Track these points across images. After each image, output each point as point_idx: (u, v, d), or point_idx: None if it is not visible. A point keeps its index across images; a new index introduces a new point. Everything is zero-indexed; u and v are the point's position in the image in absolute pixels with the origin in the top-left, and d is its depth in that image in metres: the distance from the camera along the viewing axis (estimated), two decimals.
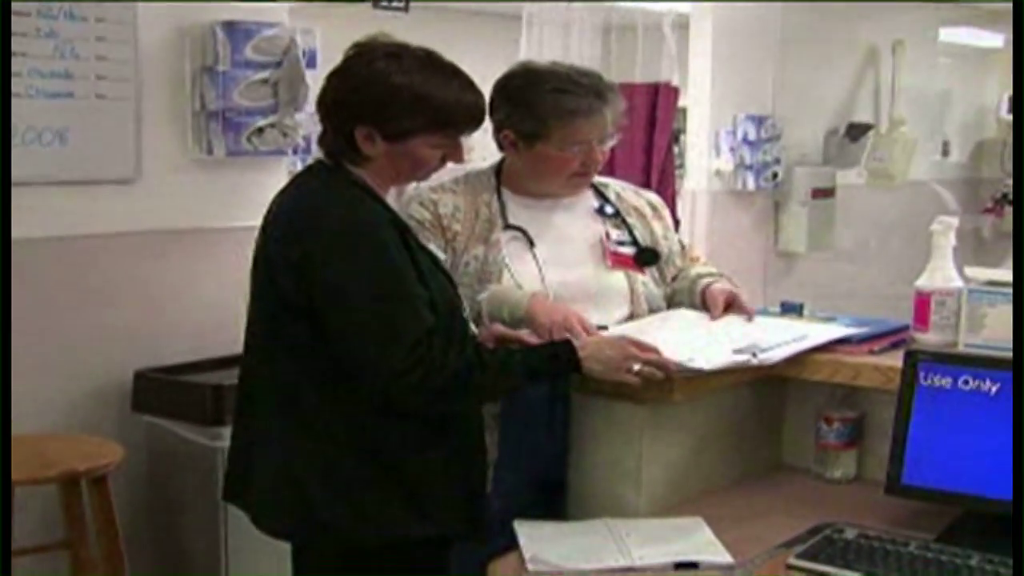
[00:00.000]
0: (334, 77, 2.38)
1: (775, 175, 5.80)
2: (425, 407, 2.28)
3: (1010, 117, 7.01)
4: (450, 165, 2.44)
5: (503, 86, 2.77)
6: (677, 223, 5.49)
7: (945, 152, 7.16)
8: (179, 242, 3.67)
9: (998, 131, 7.32)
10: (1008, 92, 7.03)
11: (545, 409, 2.53)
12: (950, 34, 6.94)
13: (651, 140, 5.73)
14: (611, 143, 2.77)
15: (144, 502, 3.61)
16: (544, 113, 2.68)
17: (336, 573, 2.36)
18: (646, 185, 5.42)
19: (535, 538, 2.29)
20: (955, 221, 2.74)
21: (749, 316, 2.71)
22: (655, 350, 2.39)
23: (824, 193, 6.01)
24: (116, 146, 3.53)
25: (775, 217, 5.99)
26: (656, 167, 5.76)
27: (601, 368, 2.36)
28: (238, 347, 2.92)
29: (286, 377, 2.33)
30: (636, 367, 2.36)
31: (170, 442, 3.49)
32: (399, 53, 2.34)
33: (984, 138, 7.42)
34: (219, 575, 3.42)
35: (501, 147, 2.79)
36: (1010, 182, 7.14)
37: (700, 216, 5.66)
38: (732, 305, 2.71)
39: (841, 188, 6.10)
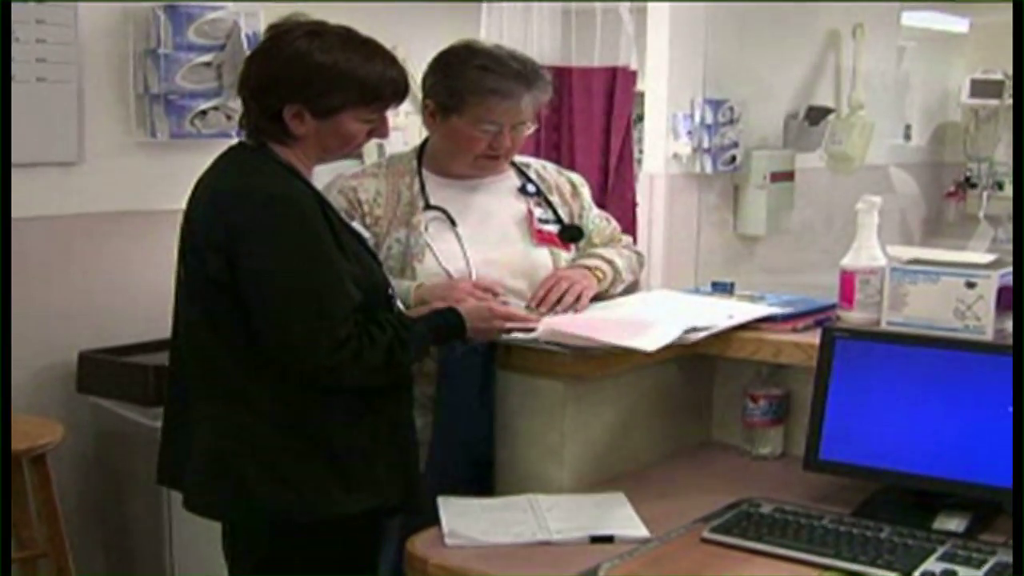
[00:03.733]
0: (256, 58, 2.40)
1: (733, 158, 5.80)
2: (355, 382, 2.30)
3: (972, 102, 7.03)
4: None
5: (438, 58, 2.81)
6: (635, 206, 5.52)
7: (907, 136, 7.17)
8: (123, 224, 3.68)
9: (961, 116, 7.34)
10: (970, 76, 7.06)
11: (477, 389, 2.56)
12: (912, 18, 6.94)
13: (609, 124, 5.73)
14: (526, 132, 2.78)
15: (90, 483, 3.62)
16: (463, 87, 2.70)
17: (269, 551, 2.38)
18: (605, 169, 5.45)
19: (457, 514, 2.32)
20: (879, 200, 2.76)
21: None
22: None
23: (783, 176, 6.01)
24: (59, 129, 3.54)
25: (734, 200, 6.00)
26: (614, 151, 5.76)
27: (479, 326, 2.47)
28: None
29: (213, 356, 2.34)
30: (509, 325, 2.47)
31: (115, 423, 3.51)
32: (319, 31, 2.36)
33: (946, 122, 7.44)
34: (163, 554, 3.44)
35: (423, 116, 2.81)
36: (972, 166, 7.17)
37: (658, 199, 5.66)
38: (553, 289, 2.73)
39: (801, 171, 6.10)
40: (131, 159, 3.69)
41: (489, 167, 2.82)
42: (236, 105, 3.71)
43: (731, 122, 5.79)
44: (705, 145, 5.70)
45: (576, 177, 3.02)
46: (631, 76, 5.85)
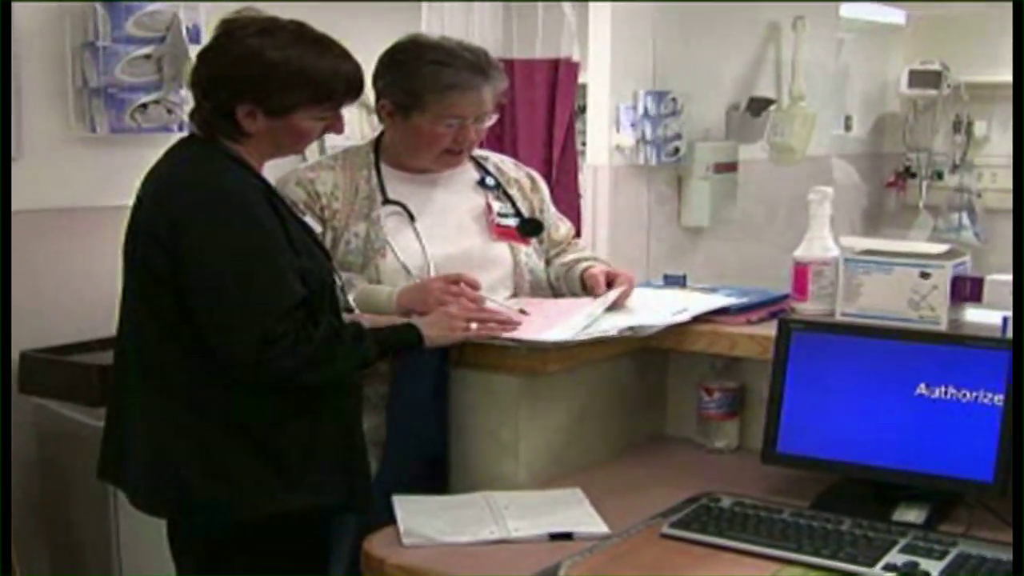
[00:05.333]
0: (207, 55, 2.35)
1: (677, 150, 5.79)
2: (282, 380, 2.26)
3: (911, 92, 7.08)
4: None
5: (388, 56, 2.75)
6: (579, 198, 5.50)
7: (847, 127, 7.20)
8: (63, 221, 3.59)
9: (899, 106, 7.38)
10: (908, 67, 7.10)
11: (430, 387, 2.52)
12: (851, 10, 6.97)
13: (552, 116, 5.70)
14: (488, 123, 2.75)
15: (33, 484, 3.54)
16: (420, 85, 2.65)
17: (213, 549, 2.35)
18: (549, 161, 5.42)
19: (413, 512, 2.29)
20: (830, 191, 2.76)
21: (629, 289, 2.71)
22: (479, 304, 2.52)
23: (726, 167, 6.02)
24: None
25: (678, 192, 6.00)
26: (558, 143, 5.73)
27: (440, 333, 2.43)
28: None
29: (155, 351, 2.31)
30: (473, 325, 2.43)
31: (58, 424, 3.43)
32: (272, 28, 2.32)
33: (886, 113, 7.48)
34: (110, 555, 3.37)
35: (380, 117, 2.76)
36: (912, 156, 7.21)
37: (602, 191, 5.64)
38: (613, 283, 2.70)
39: (744, 163, 6.10)
40: (71, 154, 3.60)
41: (454, 162, 2.79)
42: (177, 99, 3.70)
43: (674, 113, 5.78)
44: (648, 137, 5.69)
45: (533, 172, 3.00)
46: (574, 68, 5.83)
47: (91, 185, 3.64)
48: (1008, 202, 6.24)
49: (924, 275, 2.54)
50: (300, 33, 2.32)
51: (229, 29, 2.32)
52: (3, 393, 3.15)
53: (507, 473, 2.48)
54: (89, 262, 3.63)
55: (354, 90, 2.37)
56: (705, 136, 6.00)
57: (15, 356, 3.46)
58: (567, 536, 2.19)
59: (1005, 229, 6.56)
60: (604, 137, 5.68)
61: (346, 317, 2.42)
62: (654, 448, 2.78)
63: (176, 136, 3.77)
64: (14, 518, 3.20)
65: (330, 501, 2.36)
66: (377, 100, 2.72)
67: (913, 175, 7.22)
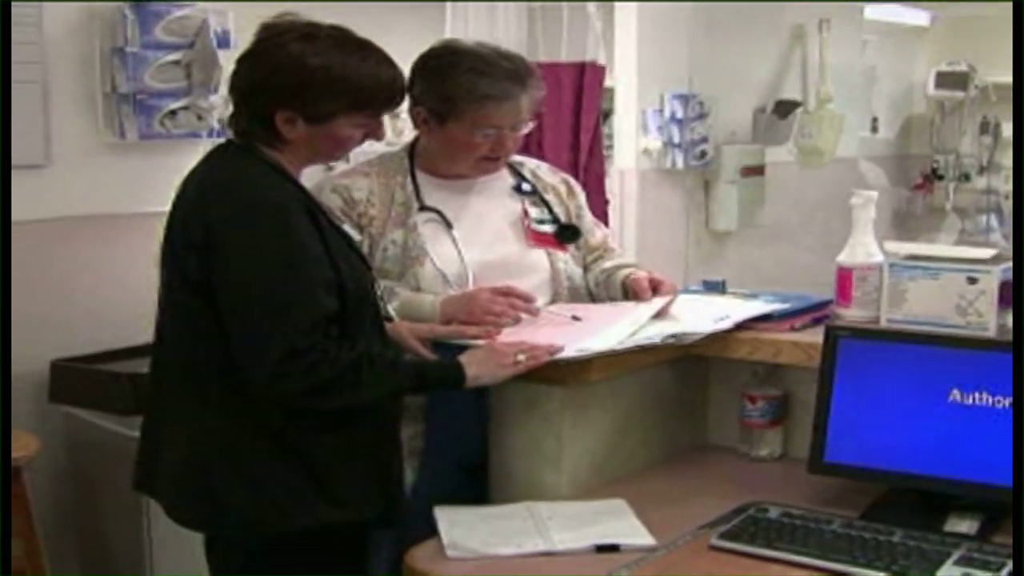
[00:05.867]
0: (248, 61, 2.30)
1: (703, 153, 5.76)
2: (305, 397, 2.18)
3: (938, 94, 7.03)
4: None
5: (423, 62, 2.71)
6: (607, 203, 5.47)
7: (874, 129, 7.15)
8: (93, 228, 3.58)
9: (926, 108, 7.34)
10: (935, 69, 7.04)
11: (471, 397, 2.48)
12: (875, 12, 6.93)
13: (578, 120, 5.67)
14: (525, 130, 2.71)
15: (65, 495, 3.53)
16: (457, 95, 2.61)
17: (249, 563, 2.31)
18: (575, 165, 5.39)
19: (455, 523, 2.25)
20: (875, 195, 2.71)
21: (674, 296, 2.67)
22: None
23: (754, 171, 5.97)
24: (24, 130, 3.43)
25: (705, 195, 5.96)
26: (584, 147, 5.70)
27: (488, 371, 2.33)
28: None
29: (192, 362, 2.27)
30: (521, 357, 2.33)
31: (89, 433, 3.42)
32: (313, 33, 2.27)
33: (912, 114, 7.43)
34: (143, 566, 3.35)
35: (415, 124, 2.73)
36: (939, 158, 7.17)
37: (630, 195, 5.61)
38: (658, 289, 2.66)
39: (770, 165, 6.06)
40: (99, 160, 3.60)
41: (492, 168, 2.75)
42: (206, 104, 3.68)
43: (700, 117, 5.75)
44: (675, 140, 5.66)
45: (569, 177, 2.96)
46: (599, 71, 5.80)
47: (121, 192, 3.63)
48: None
49: (971, 280, 2.49)
50: (342, 38, 2.28)
51: (269, 34, 2.27)
52: (3, 394, 3.12)
53: (549, 483, 2.44)
54: (119, 269, 3.62)
55: (396, 97, 2.34)
56: (731, 139, 5.96)
57: (44, 365, 3.44)
58: (613, 548, 2.15)
59: None
60: (631, 141, 5.65)
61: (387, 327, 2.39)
62: (696, 457, 2.73)
63: (207, 143, 3.81)
64: (45, 528, 3.17)
65: (367, 515, 2.31)
66: (412, 107, 2.67)
67: (940, 177, 7.17)
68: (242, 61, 2.30)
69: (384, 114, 2.34)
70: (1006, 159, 7.02)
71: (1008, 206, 6.98)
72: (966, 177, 7.11)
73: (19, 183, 3.41)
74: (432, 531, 2.25)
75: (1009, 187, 6.98)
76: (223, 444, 2.24)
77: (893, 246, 2.67)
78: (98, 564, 3.50)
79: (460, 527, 2.23)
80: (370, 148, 2.62)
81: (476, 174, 2.75)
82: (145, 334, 3.42)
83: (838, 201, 6.56)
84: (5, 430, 3.00)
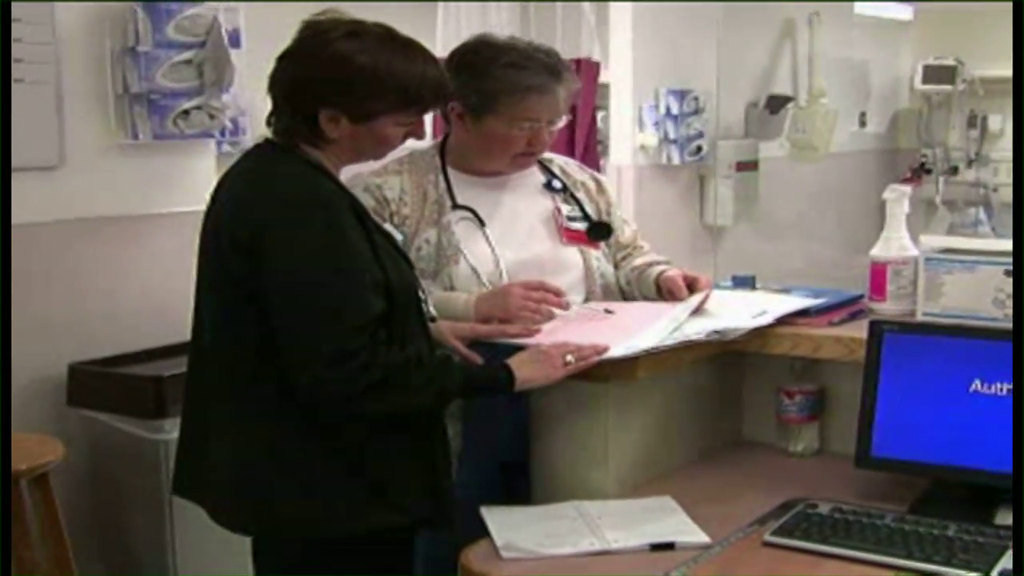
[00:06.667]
0: (291, 58, 2.26)
1: (699, 148, 5.77)
2: (354, 401, 2.15)
3: (926, 88, 7.05)
4: None
5: (458, 58, 2.69)
6: None
7: (863, 123, 7.18)
8: (107, 229, 3.54)
9: (912, 102, 7.37)
10: (923, 63, 7.06)
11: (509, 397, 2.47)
12: (863, 6, 6.96)
13: (574, 116, 5.66)
14: (560, 124, 2.70)
15: (86, 499, 3.48)
16: (496, 88, 2.60)
17: (297, 567, 2.28)
18: None
19: (505, 524, 2.23)
20: (908, 189, 2.73)
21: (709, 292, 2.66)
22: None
23: (748, 166, 6.00)
24: (37, 131, 3.38)
25: (700, 191, 5.97)
26: (580, 143, 5.70)
27: (537, 374, 2.31)
28: (174, 336, 2.82)
29: (240, 365, 2.23)
30: (569, 357, 2.31)
31: (110, 436, 3.37)
32: (359, 31, 2.24)
33: (899, 109, 7.46)
34: (167, 569, 3.32)
35: (447, 119, 2.71)
36: (927, 151, 7.19)
37: (626, 191, 5.61)
38: (693, 287, 2.65)
39: (764, 161, 6.09)
40: (113, 161, 3.55)
41: (527, 164, 2.74)
42: (219, 104, 3.64)
43: (696, 112, 5.76)
44: (672, 136, 5.67)
45: (598, 174, 2.96)
46: (594, 67, 5.80)
47: (133, 192, 3.59)
48: None
49: (1009, 273, 2.49)
50: (388, 36, 2.25)
51: (315, 31, 2.24)
52: (3, 397, 3.09)
53: (595, 481, 2.43)
54: (132, 270, 3.59)
55: (441, 96, 2.32)
56: (725, 134, 5.97)
57: (62, 369, 3.40)
58: (669, 546, 2.14)
59: None
60: (628, 137, 5.65)
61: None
62: (733, 453, 2.73)
63: (217, 142, 3.79)
64: (69, 533, 3.14)
65: (418, 516, 2.29)
66: (446, 104, 2.65)
67: (929, 171, 7.19)
68: (286, 58, 2.27)
69: (428, 113, 2.32)
70: (994, 152, 7.07)
71: (996, 198, 7.03)
72: (954, 170, 7.14)
73: (33, 185, 3.36)
74: (470, 530, 2.24)
75: (997, 179, 7.03)
76: (271, 446, 2.21)
77: (928, 240, 2.67)
78: (122, 568, 3.46)
79: (510, 528, 2.22)
80: None
81: (511, 170, 2.73)
82: (162, 335, 3.44)
83: (831, 196, 6.62)
84: (5, 432, 2.96)
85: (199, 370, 2.35)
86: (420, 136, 2.34)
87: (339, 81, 2.20)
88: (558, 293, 2.52)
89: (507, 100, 2.59)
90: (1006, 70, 6.63)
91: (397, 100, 2.23)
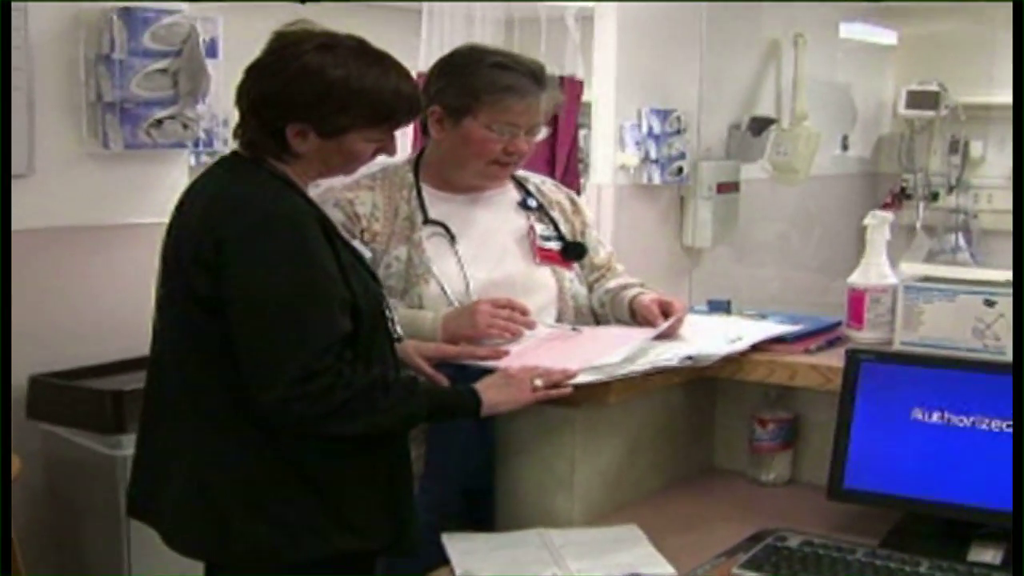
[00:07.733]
0: (259, 70, 2.20)
1: (680, 169, 5.74)
2: (318, 422, 2.10)
3: (909, 113, 7.03)
4: None
5: (443, 62, 2.68)
6: None
7: (845, 147, 7.16)
8: (76, 240, 3.47)
9: (894, 126, 7.35)
10: (906, 88, 7.05)
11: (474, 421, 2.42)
12: (848, 30, 6.95)
13: (555, 134, 5.62)
14: (539, 136, 2.66)
15: (42, 515, 3.40)
16: (478, 86, 2.56)
17: None
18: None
19: (466, 552, 2.19)
20: (890, 216, 2.69)
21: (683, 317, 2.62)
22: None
23: (729, 187, 5.97)
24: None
25: (680, 211, 5.93)
26: (560, 161, 5.66)
27: (505, 398, 2.26)
28: (139, 350, 2.74)
29: (198, 382, 2.17)
30: (538, 382, 2.27)
31: (68, 451, 3.29)
32: (331, 44, 2.18)
33: (882, 133, 7.44)
34: None
35: (425, 128, 2.66)
36: (908, 176, 7.17)
37: (606, 210, 5.58)
38: (667, 312, 2.60)
39: (745, 182, 6.06)
40: (84, 170, 3.48)
41: (499, 176, 2.69)
42: (193, 114, 3.58)
43: (678, 132, 5.73)
44: (653, 156, 5.63)
45: (573, 194, 2.92)
46: (578, 86, 5.76)
47: (103, 203, 3.53)
48: (1004, 223, 6.20)
49: (989, 303, 2.46)
50: (360, 50, 2.20)
51: (285, 43, 2.18)
52: (3, 397, 3.03)
53: (561, 507, 2.39)
54: (99, 282, 3.52)
55: (413, 111, 2.26)
56: (706, 155, 5.95)
57: (23, 380, 3.33)
58: None
59: (1001, 250, 6.54)
60: (608, 156, 5.62)
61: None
62: (704, 481, 2.68)
63: (190, 153, 3.73)
64: (21, 548, 3.07)
65: (380, 542, 2.24)
66: (426, 107, 2.60)
67: (909, 196, 7.18)
68: (254, 71, 2.21)
69: (399, 129, 2.26)
70: (975, 178, 7.06)
71: (976, 225, 7.02)
72: (935, 196, 7.13)
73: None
74: (430, 556, 2.19)
75: (978, 206, 7.02)
76: (230, 469, 2.15)
77: (908, 268, 2.64)
78: None
79: (471, 555, 2.17)
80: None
81: (484, 181, 2.69)
82: (126, 349, 3.37)
83: (811, 219, 6.59)
84: (5, 432, 2.91)
85: (156, 388, 2.29)
86: (391, 153, 2.29)
87: (308, 95, 2.15)
88: (524, 312, 2.48)
89: (488, 99, 2.56)
90: (988, 96, 6.66)
91: (368, 116, 2.18)
